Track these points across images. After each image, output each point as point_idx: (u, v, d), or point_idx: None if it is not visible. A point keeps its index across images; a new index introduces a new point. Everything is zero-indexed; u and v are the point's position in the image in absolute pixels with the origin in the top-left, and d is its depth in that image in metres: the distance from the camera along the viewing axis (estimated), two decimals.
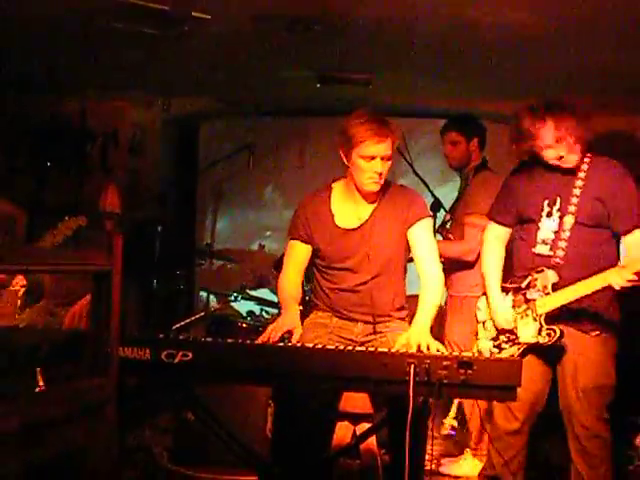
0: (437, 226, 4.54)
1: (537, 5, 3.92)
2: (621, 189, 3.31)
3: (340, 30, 4.40)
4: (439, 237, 4.54)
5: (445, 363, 2.64)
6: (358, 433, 3.24)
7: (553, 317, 3.29)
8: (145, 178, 6.89)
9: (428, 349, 2.89)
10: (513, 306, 3.43)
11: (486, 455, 3.79)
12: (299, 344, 2.99)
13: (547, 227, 3.38)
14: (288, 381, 2.85)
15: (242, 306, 6.13)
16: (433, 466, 4.21)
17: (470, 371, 2.63)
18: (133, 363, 2.85)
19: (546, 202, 3.38)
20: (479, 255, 4.29)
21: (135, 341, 2.87)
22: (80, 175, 6.49)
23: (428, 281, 3.28)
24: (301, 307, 3.41)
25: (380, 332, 3.32)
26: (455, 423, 4.31)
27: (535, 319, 3.31)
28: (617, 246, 3.42)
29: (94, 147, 6.64)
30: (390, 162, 3.25)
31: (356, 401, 3.26)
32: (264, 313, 5.82)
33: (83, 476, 2.54)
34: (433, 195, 4.86)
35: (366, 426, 3.20)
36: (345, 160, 3.28)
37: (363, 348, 2.93)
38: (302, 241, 3.40)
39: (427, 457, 3.95)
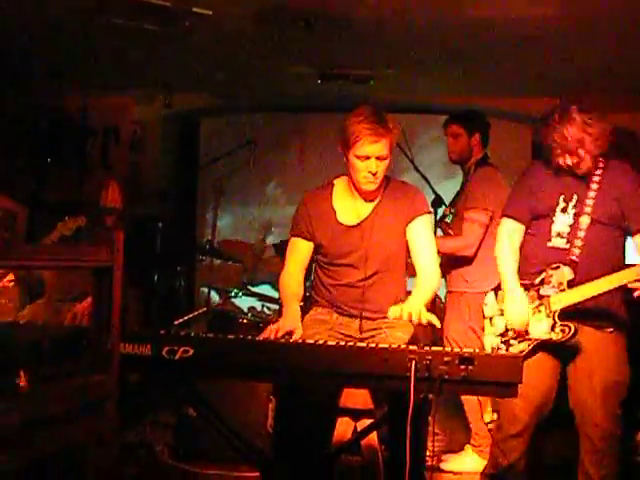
0: (436, 220, 4.54)
1: (537, 5, 3.93)
2: (635, 190, 3.31)
3: (341, 27, 4.41)
4: (439, 232, 4.54)
5: (446, 359, 2.64)
6: (359, 429, 3.23)
7: (566, 314, 3.25)
8: (146, 174, 6.91)
9: (420, 318, 2.94)
10: None
11: (487, 451, 3.78)
12: (300, 340, 3.00)
13: (562, 221, 3.33)
14: (289, 377, 2.84)
15: (243, 302, 6.14)
16: (434, 462, 4.21)
17: (471, 367, 2.62)
18: (134, 359, 2.84)
19: (562, 197, 3.33)
20: (477, 251, 4.31)
21: (136, 337, 2.87)
22: (80, 173, 6.49)
23: (424, 277, 3.28)
24: (301, 303, 3.40)
25: (380, 328, 3.32)
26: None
27: (549, 315, 3.26)
28: (624, 246, 3.42)
29: (95, 144, 6.64)
30: (387, 161, 3.24)
31: (357, 397, 3.25)
32: (265, 309, 5.83)
33: (84, 473, 2.54)
34: (434, 191, 4.85)
35: (367, 422, 3.19)
36: (344, 158, 3.29)
37: (364, 344, 2.92)
38: (304, 238, 3.40)
39: (428, 453, 3.97)
